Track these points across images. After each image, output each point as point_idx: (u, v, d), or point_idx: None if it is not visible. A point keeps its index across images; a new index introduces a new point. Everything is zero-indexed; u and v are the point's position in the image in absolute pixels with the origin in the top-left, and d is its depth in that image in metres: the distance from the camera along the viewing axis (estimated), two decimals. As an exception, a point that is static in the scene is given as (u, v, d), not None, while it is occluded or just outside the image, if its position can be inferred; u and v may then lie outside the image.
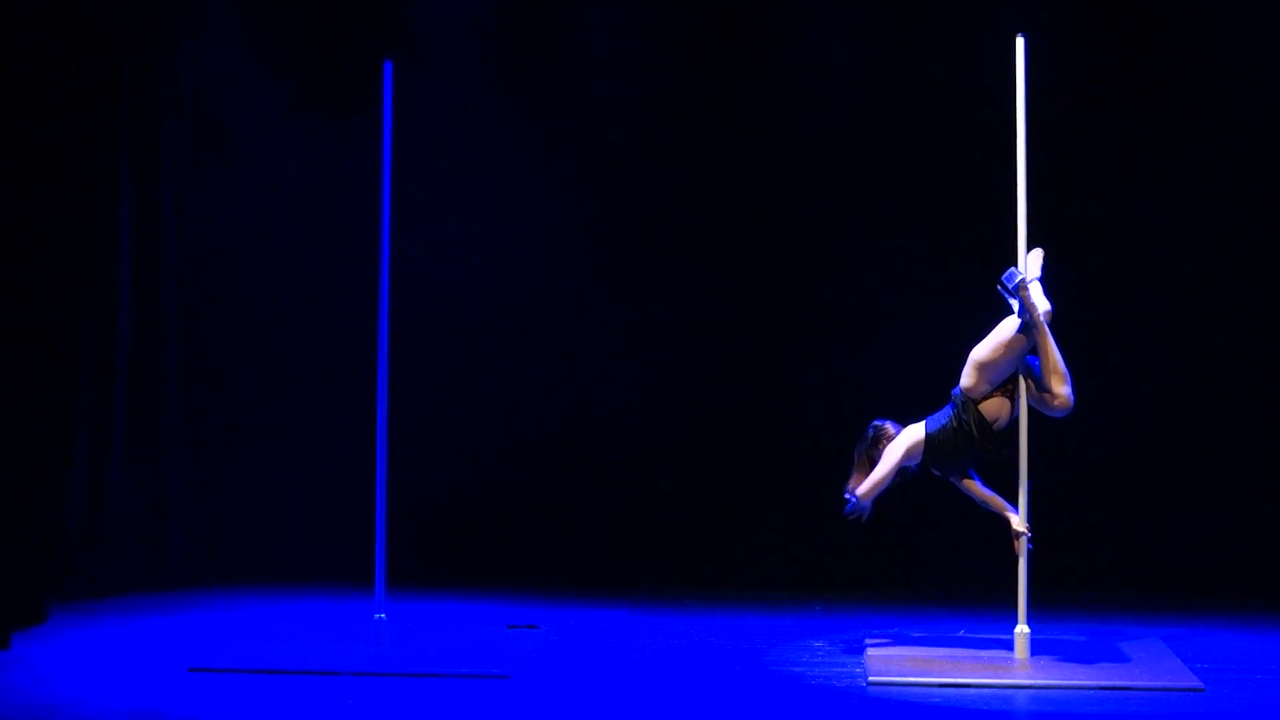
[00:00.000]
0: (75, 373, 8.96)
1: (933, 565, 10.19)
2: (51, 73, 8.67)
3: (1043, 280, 8.06)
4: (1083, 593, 9.82)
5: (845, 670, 7.76)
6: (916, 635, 8.54)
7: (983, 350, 7.94)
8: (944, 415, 8.02)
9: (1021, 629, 7.92)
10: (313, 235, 10.45)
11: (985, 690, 7.38)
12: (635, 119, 10.40)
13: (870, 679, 7.49)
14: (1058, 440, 9.35)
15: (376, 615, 8.05)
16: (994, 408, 7.95)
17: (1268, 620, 9.13)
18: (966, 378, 7.97)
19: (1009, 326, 7.92)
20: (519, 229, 10.46)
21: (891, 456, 7.96)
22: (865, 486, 7.96)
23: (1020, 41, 7.98)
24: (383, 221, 8.12)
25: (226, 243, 10.38)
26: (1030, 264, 8.05)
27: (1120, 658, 8.05)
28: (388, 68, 8.20)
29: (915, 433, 8.02)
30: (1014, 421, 7.93)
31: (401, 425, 9.43)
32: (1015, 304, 7.93)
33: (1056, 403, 7.88)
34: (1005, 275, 7.93)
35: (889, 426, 8.07)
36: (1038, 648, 8.03)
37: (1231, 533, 10.03)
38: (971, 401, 7.94)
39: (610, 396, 10.45)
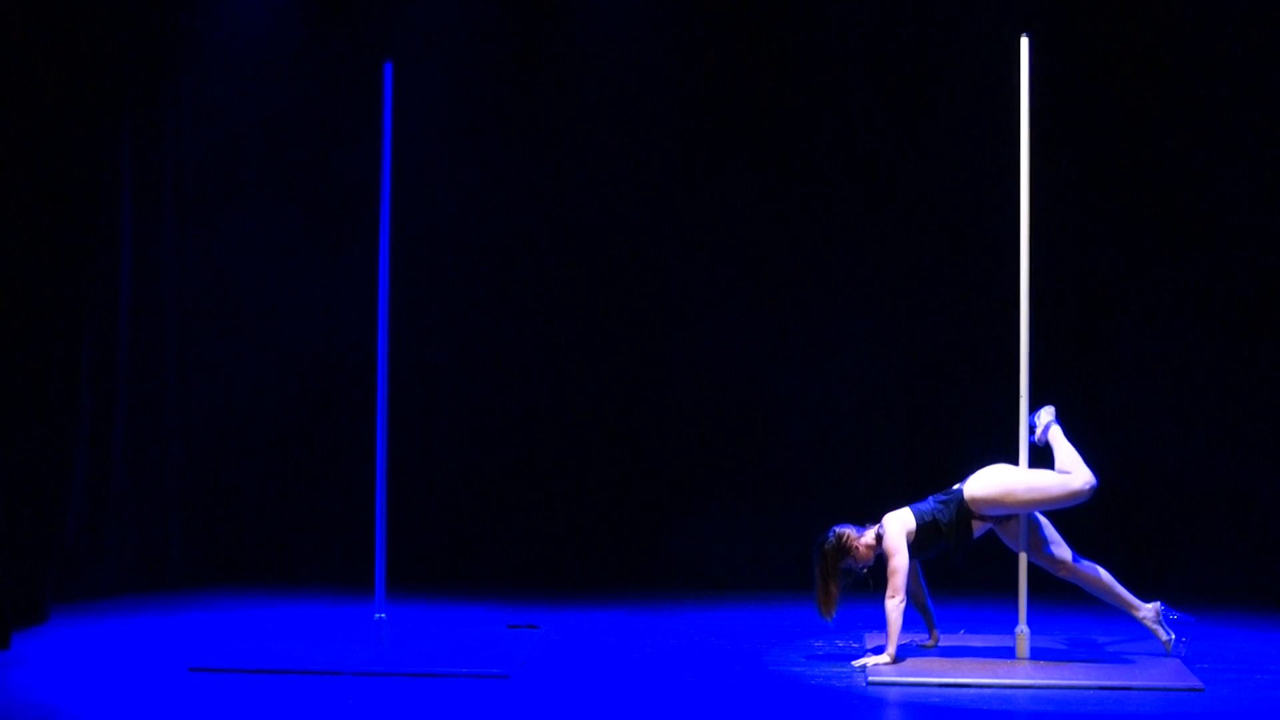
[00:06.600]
0: (75, 373, 8.96)
1: (931, 565, 10.17)
2: (58, 72, 8.69)
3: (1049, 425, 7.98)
4: (1082, 593, 9.80)
5: (845, 670, 7.76)
6: (916, 635, 8.55)
7: (1020, 490, 7.79)
8: (931, 505, 7.89)
9: (1021, 629, 7.92)
10: (313, 234, 10.45)
11: (985, 690, 7.39)
12: (632, 117, 10.41)
13: (870, 679, 7.49)
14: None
15: (376, 615, 8.05)
16: (980, 524, 7.91)
17: (1268, 620, 9.13)
18: (986, 495, 7.80)
19: (1061, 487, 7.80)
20: (520, 230, 10.47)
21: (900, 552, 7.77)
22: (896, 597, 7.72)
23: (1025, 41, 7.96)
24: (382, 222, 8.11)
25: (227, 241, 10.39)
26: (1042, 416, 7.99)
27: (1120, 658, 8.05)
28: (388, 68, 8.21)
29: (906, 520, 7.86)
30: (987, 531, 7.93)
31: (401, 425, 9.43)
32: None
33: (1088, 488, 7.83)
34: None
35: (850, 532, 7.85)
36: (1038, 648, 8.03)
37: (1231, 533, 10.04)
38: (971, 514, 7.84)
39: (611, 397, 10.45)
